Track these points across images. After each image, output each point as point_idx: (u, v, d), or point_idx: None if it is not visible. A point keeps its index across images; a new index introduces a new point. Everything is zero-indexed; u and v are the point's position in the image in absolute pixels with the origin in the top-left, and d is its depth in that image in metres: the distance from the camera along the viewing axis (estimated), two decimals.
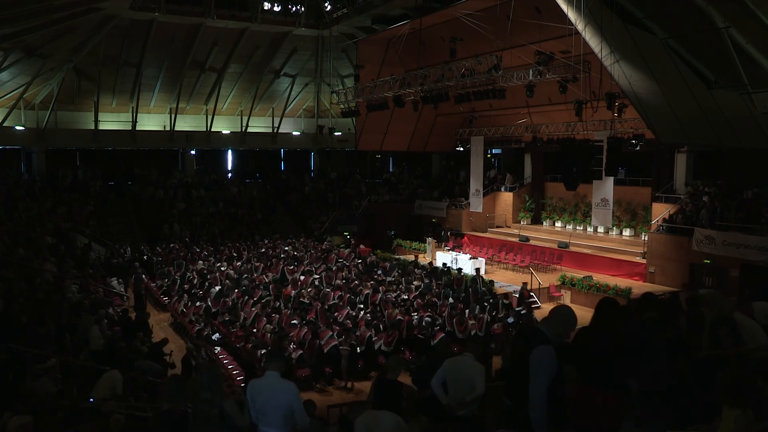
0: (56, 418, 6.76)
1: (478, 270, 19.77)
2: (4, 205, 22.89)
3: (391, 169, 36.60)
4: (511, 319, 15.22)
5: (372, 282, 18.39)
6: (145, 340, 12.05)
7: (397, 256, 24.94)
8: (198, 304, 16.34)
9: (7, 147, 27.89)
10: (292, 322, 14.40)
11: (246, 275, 19.31)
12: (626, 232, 23.36)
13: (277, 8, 26.18)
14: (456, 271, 19.44)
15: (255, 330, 14.08)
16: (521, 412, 3.87)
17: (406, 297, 16.90)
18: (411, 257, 23.94)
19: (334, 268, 20.33)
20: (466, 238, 26.50)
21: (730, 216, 18.14)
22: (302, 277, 19.09)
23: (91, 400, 7.84)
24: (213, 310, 15.93)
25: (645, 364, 4.04)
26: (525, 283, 18.15)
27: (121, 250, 22.93)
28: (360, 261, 22.21)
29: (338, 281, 18.73)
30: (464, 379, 5.06)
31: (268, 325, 14.09)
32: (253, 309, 15.37)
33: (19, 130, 26.75)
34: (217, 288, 17.64)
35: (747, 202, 18.76)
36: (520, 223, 27.32)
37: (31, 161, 28.28)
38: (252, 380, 4.85)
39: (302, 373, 12.36)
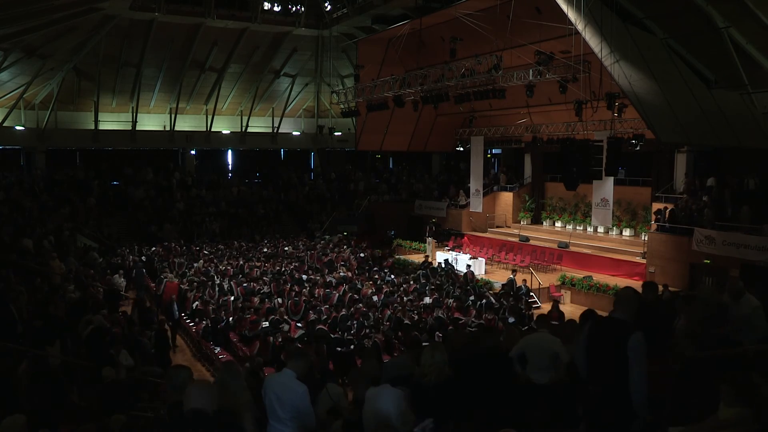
0: (55, 418, 6.74)
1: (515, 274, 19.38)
2: (5, 205, 22.85)
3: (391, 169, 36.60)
4: (511, 319, 15.19)
5: (371, 282, 18.40)
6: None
7: (398, 256, 24.94)
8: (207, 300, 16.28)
9: (7, 147, 27.89)
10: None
11: (244, 274, 19.27)
12: (626, 232, 23.35)
13: (277, 8, 26.19)
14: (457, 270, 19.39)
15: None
16: (610, 398, 4.13)
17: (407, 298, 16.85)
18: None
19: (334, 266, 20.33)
20: (466, 238, 26.49)
21: (735, 213, 18.02)
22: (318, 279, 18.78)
23: None
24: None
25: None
26: (556, 301, 16.45)
27: (119, 250, 22.90)
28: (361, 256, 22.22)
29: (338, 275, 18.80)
30: (545, 351, 5.28)
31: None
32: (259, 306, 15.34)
33: (19, 130, 26.76)
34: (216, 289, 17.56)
35: (749, 196, 18.61)
36: (520, 223, 27.31)
37: (32, 161, 28.29)
38: (269, 375, 5.05)
39: None
